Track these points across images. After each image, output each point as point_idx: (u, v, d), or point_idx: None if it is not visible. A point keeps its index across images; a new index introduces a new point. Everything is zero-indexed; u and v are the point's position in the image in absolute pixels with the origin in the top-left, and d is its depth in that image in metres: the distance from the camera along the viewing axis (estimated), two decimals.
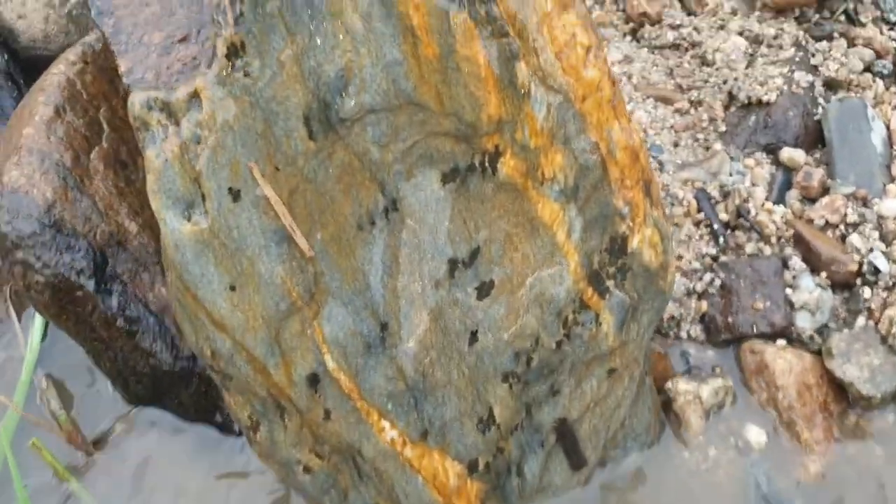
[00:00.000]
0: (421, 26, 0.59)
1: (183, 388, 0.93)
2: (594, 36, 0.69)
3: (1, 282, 1.03)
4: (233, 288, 0.66)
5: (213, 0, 0.55)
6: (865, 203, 0.93)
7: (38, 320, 1.00)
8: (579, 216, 0.71)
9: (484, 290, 0.72)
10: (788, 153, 0.98)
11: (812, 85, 1.01)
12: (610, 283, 0.74)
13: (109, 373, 0.97)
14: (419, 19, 0.59)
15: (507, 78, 0.63)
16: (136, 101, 0.60)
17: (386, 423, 0.73)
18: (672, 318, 0.92)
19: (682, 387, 0.86)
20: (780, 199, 0.97)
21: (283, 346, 0.69)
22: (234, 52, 0.57)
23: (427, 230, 0.69)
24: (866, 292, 0.89)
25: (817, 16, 1.09)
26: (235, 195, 0.62)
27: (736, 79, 1.03)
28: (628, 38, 1.15)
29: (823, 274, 0.90)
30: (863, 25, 1.10)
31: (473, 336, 0.73)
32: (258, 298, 0.67)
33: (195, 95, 0.59)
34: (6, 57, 1.22)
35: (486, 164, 0.67)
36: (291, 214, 0.64)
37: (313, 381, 0.71)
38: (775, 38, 1.06)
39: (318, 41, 0.58)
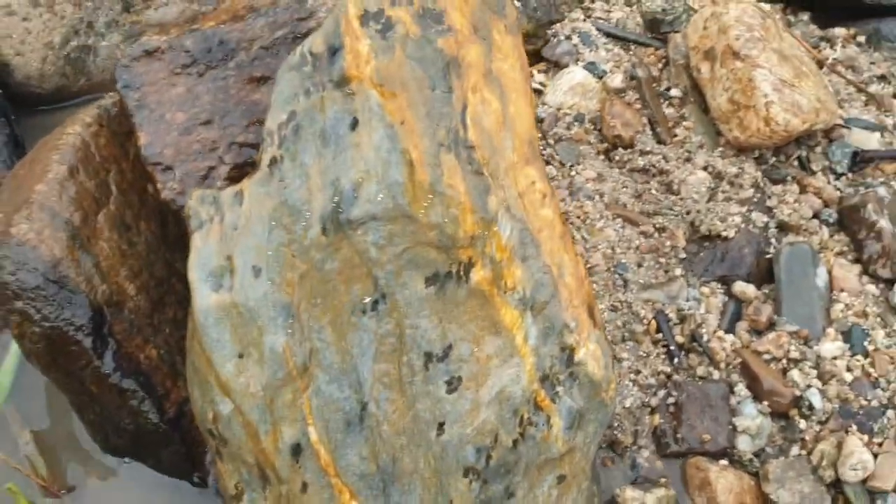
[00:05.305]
0: (418, 160, 0.84)
1: (164, 447, 1.02)
2: (549, 187, 0.94)
3: None
4: (241, 356, 0.85)
5: (266, 127, 0.81)
6: (806, 342, 1.10)
7: (9, 364, 1.08)
8: (535, 324, 0.91)
9: (453, 385, 0.89)
10: (741, 287, 1.14)
11: (766, 225, 1.18)
12: (560, 389, 0.91)
13: (91, 424, 1.04)
14: (417, 155, 0.84)
15: (480, 204, 0.87)
16: (195, 195, 0.84)
17: None
18: (626, 427, 1.06)
19: (629, 494, 1.00)
20: (731, 328, 1.13)
21: (274, 414, 0.85)
22: (274, 162, 0.82)
23: (409, 325, 0.89)
24: (802, 424, 1.05)
25: (774, 159, 1.24)
26: (257, 272, 0.84)
27: (699, 211, 1.18)
28: (602, 157, 1.28)
29: (765, 402, 1.06)
30: (813, 174, 1.23)
31: (440, 427, 0.88)
32: (259, 368, 0.85)
33: (240, 193, 0.83)
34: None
35: (462, 273, 0.89)
36: (299, 294, 0.85)
37: (296, 450, 0.86)
38: (736, 176, 1.22)
39: (339, 161, 0.83)
